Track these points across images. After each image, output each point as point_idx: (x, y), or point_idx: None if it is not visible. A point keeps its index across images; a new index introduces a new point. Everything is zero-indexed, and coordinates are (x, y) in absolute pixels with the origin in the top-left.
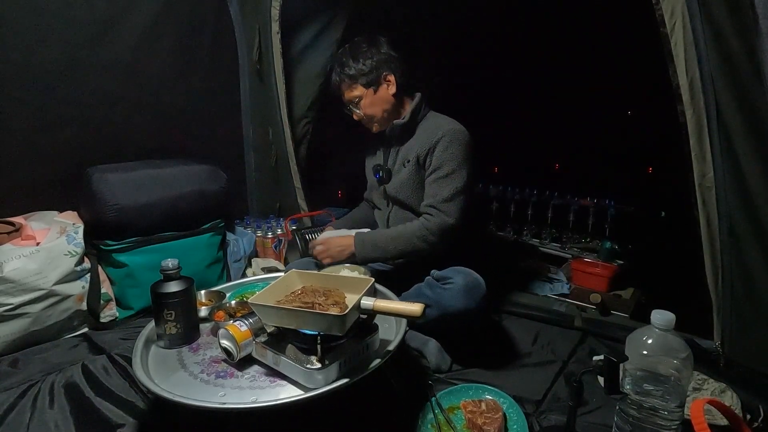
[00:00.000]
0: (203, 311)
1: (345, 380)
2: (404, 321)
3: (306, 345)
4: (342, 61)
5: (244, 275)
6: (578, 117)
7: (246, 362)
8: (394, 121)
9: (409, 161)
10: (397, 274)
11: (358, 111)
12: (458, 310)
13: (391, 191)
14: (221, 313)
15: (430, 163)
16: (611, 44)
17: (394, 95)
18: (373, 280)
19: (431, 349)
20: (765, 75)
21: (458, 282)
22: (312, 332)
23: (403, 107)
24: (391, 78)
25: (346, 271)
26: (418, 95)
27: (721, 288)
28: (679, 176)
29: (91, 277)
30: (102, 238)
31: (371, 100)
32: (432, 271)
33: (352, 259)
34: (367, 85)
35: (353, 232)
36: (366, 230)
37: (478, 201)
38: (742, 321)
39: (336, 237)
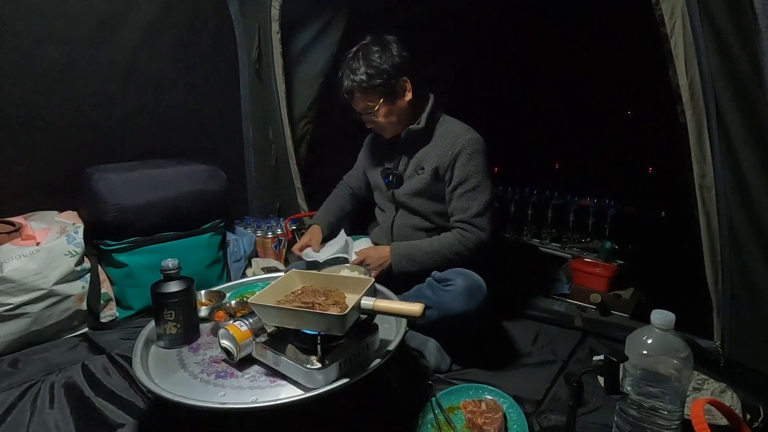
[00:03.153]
0: (203, 311)
1: (345, 380)
2: (404, 321)
3: (306, 345)
4: (354, 68)
5: (244, 275)
6: (578, 117)
7: (246, 362)
8: (410, 127)
9: (423, 169)
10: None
11: (374, 119)
12: (459, 312)
13: (401, 197)
14: (221, 313)
15: (451, 176)
16: (611, 44)
17: (410, 101)
18: (373, 280)
19: (431, 349)
20: (765, 75)
21: (459, 284)
22: (312, 332)
23: (418, 111)
24: (408, 84)
25: (346, 271)
26: (431, 98)
27: (721, 288)
28: (679, 176)
29: (91, 277)
30: (102, 238)
31: (389, 109)
32: (433, 272)
33: (389, 271)
34: (384, 94)
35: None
36: (402, 243)
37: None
38: (742, 321)
39: (373, 249)
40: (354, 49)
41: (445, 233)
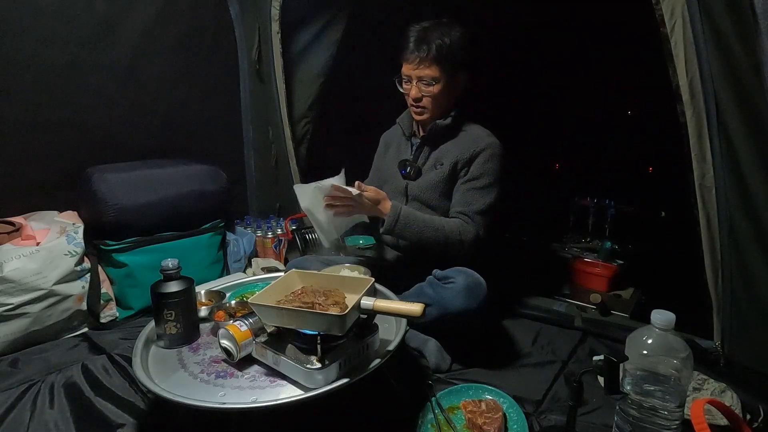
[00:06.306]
0: (203, 311)
1: (345, 380)
2: (404, 321)
3: (306, 345)
4: (441, 33)
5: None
6: (578, 117)
7: (246, 362)
8: (437, 121)
9: (442, 164)
10: (397, 272)
11: (424, 90)
12: (459, 309)
13: (415, 190)
14: (221, 313)
15: (466, 171)
16: (611, 44)
17: (456, 97)
18: (373, 280)
19: (431, 348)
20: (765, 75)
21: (459, 282)
22: (312, 332)
23: (451, 109)
24: (464, 82)
25: (346, 271)
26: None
27: (721, 288)
28: (679, 176)
29: (91, 277)
30: (102, 238)
31: (443, 90)
32: (434, 270)
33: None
34: (450, 72)
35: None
36: (407, 208)
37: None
38: (742, 321)
39: (384, 199)
40: (438, 20)
41: (448, 218)
